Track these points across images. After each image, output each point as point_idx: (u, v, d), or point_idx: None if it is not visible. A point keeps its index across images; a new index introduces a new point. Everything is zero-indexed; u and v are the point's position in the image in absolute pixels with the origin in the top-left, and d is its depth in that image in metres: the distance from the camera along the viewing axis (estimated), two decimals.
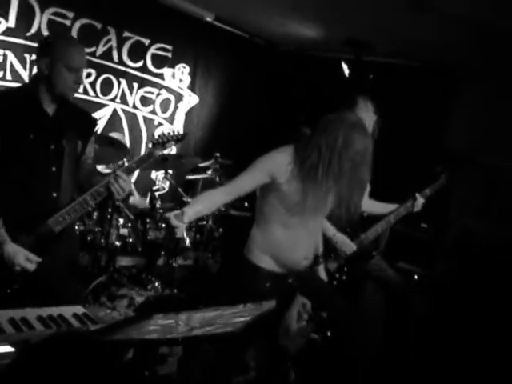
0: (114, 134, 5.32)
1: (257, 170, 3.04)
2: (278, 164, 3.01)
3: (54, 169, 2.87)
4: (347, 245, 3.80)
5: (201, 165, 5.61)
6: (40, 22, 5.35)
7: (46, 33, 5.41)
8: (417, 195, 4.23)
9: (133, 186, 5.40)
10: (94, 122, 3.26)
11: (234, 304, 1.95)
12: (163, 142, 3.09)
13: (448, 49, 5.59)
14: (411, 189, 4.31)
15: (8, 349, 1.60)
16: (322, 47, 7.07)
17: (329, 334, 3.66)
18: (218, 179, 5.50)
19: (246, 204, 5.65)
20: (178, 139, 3.17)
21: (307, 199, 3.00)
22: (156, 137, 3.09)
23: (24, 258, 2.62)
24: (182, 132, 3.19)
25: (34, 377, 1.28)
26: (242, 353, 3.20)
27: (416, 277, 5.55)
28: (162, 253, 4.71)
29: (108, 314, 2.06)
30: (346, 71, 6.61)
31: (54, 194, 2.87)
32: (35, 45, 5.18)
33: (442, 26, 4.82)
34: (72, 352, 1.41)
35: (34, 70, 5.26)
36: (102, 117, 6.09)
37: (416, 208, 4.24)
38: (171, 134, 3.15)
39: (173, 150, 6.76)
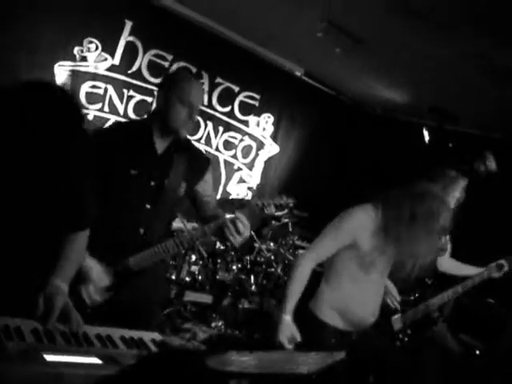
0: None
1: (341, 234, 3.08)
2: (362, 224, 3.07)
3: (148, 206, 2.80)
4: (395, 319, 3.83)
5: (275, 213, 5.71)
6: (141, 62, 5.72)
7: (145, 71, 5.77)
8: (503, 262, 4.16)
9: None
10: (206, 163, 3.08)
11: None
12: (264, 206, 2.84)
13: None
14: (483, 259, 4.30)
15: (96, 360, 1.74)
16: (406, 112, 7.16)
17: None
18: (290, 229, 5.60)
19: None
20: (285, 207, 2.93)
21: (382, 259, 3.07)
22: (260, 201, 2.86)
23: (97, 274, 2.66)
24: (293, 201, 2.94)
25: None
26: None
27: (478, 352, 5.43)
28: (229, 294, 4.83)
29: (183, 345, 2.17)
30: (427, 138, 6.66)
31: (141, 231, 2.80)
32: (134, 81, 5.65)
33: None
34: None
35: (130, 105, 5.69)
36: None
37: (500, 274, 4.16)
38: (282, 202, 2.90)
39: (249, 195, 6.95)
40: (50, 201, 2.08)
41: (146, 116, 2.99)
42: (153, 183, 2.82)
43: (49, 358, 1.65)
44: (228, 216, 2.78)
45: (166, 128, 2.80)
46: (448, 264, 4.28)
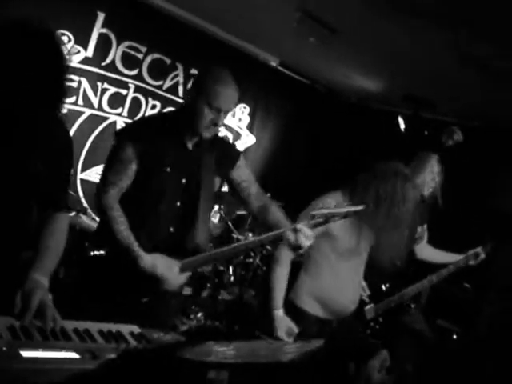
0: None
1: None
2: None
3: (178, 203, 2.75)
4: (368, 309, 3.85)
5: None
6: (115, 54, 5.67)
7: (119, 63, 5.73)
8: (479, 250, 4.24)
9: None
10: (237, 155, 2.97)
11: None
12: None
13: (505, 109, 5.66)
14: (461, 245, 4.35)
15: (74, 355, 1.73)
16: (381, 100, 7.20)
17: None
18: None
19: None
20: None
21: (359, 244, 3.09)
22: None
23: (166, 266, 2.60)
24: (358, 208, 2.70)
25: None
26: None
27: (455, 336, 5.50)
28: (208, 285, 4.83)
29: (161, 337, 2.16)
30: (402, 126, 6.69)
31: (172, 229, 2.75)
32: (108, 74, 5.60)
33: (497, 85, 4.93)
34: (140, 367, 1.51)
35: (104, 98, 5.65)
36: None
37: (477, 262, 4.24)
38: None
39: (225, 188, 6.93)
40: (25, 175, 2.05)
41: (175, 109, 2.94)
42: (184, 180, 2.76)
43: (26, 354, 1.64)
44: (289, 227, 2.65)
45: (190, 128, 2.73)
46: (426, 252, 4.32)
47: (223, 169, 2.88)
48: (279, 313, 3.03)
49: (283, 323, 3.01)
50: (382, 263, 3.18)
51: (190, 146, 2.78)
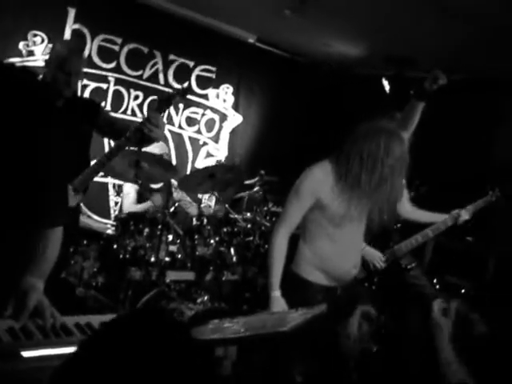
0: (157, 146, 5.50)
1: (303, 197, 3.06)
2: (320, 183, 3.05)
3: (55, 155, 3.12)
4: (376, 259, 3.85)
5: (246, 182, 5.70)
6: (91, 49, 5.62)
7: (96, 58, 5.69)
8: (461, 211, 4.21)
9: (188, 198, 5.52)
10: (98, 105, 3.62)
11: None
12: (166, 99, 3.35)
13: (491, 61, 5.62)
14: (457, 201, 4.30)
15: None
16: (364, 65, 7.14)
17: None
18: (263, 196, 5.59)
19: None
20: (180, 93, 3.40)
21: (351, 210, 3.05)
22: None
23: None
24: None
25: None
26: (289, 365, 3.25)
27: (463, 291, 5.49)
28: (211, 268, 4.81)
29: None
30: (387, 87, 6.66)
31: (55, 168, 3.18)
32: (86, 69, 5.53)
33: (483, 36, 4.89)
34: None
35: (85, 94, 5.60)
36: None
37: (459, 222, 4.21)
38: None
39: None
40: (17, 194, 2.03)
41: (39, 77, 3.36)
42: (57, 134, 3.13)
43: (26, 354, 1.64)
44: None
45: (52, 91, 3.26)
46: (409, 211, 4.22)
47: (90, 118, 3.47)
48: (275, 294, 3.02)
49: (278, 304, 2.99)
50: (374, 222, 3.16)
51: (59, 104, 3.29)
